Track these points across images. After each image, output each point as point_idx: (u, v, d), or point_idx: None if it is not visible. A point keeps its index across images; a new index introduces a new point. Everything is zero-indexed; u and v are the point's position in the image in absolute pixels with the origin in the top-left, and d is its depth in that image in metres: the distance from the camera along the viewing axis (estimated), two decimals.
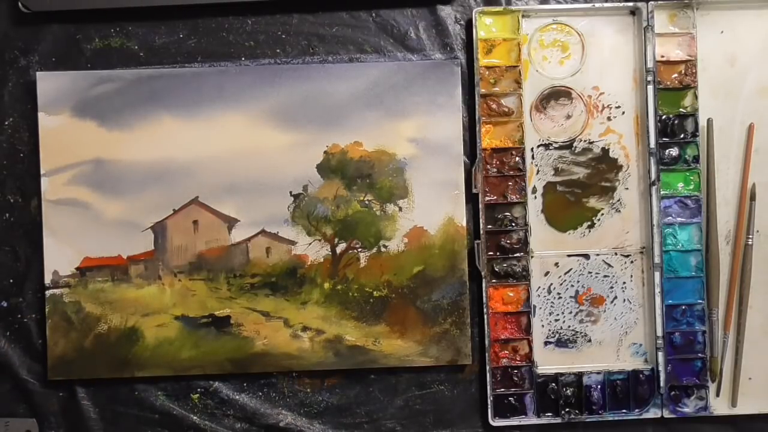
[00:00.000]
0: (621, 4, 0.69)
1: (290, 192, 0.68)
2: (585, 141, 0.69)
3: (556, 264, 0.69)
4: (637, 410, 0.68)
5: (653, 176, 0.68)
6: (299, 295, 0.68)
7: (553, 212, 0.69)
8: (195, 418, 0.69)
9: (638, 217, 0.69)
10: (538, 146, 0.69)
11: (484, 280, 0.68)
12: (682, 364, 0.68)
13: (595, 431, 0.69)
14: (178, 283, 0.68)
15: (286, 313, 0.68)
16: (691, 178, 0.68)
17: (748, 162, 0.69)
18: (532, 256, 0.69)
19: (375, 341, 0.68)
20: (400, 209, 0.68)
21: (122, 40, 0.69)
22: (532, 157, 0.69)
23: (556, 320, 0.69)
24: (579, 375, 0.68)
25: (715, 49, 0.69)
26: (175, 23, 0.69)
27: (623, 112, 0.69)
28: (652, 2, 0.68)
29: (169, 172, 0.68)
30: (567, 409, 0.68)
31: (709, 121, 0.68)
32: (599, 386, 0.68)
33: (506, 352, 0.68)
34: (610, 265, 0.69)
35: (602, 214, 0.69)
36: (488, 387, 0.68)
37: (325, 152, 0.68)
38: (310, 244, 0.68)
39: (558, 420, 0.68)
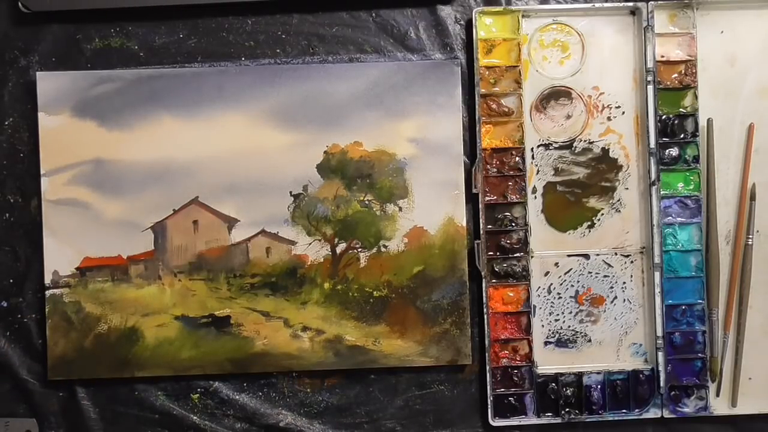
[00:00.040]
0: (621, 4, 0.69)
1: (290, 192, 0.68)
2: (585, 141, 0.69)
3: (556, 264, 0.69)
4: (637, 410, 0.68)
5: (653, 176, 0.68)
6: (299, 295, 0.68)
7: (553, 212, 0.69)
8: (195, 418, 0.69)
9: (638, 217, 0.69)
10: (538, 146, 0.69)
11: (484, 280, 0.68)
12: (682, 364, 0.68)
13: (595, 431, 0.69)
14: (178, 283, 0.68)
15: (286, 313, 0.68)
16: (691, 178, 0.68)
17: (748, 162, 0.69)
18: (532, 256, 0.69)
19: (375, 341, 0.68)
20: (400, 209, 0.68)
21: (122, 40, 0.69)
22: (532, 157, 0.69)
23: (556, 320, 0.69)
24: (579, 375, 0.68)
25: (715, 49, 0.69)
26: (175, 23, 0.69)
27: (623, 112, 0.69)
28: (652, 2, 0.68)
29: (169, 172, 0.68)
30: (567, 409, 0.68)
31: (709, 121, 0.68)
32: (599, 386, 0.68)
33: (506, 352, 0.68)
34: (610, 265, 0.69)
35: (602, 214, 0.69)
36: (488, 387, 0.68)
37: (325, 152, 0.68)
38: (310, 244, 0.68)
39: (558, 420, 0.68)
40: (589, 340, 0.69)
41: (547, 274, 0.69)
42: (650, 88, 0.68)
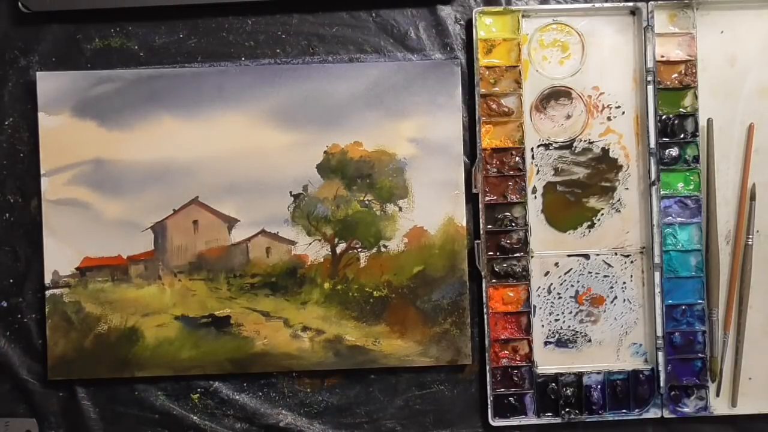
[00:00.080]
0: (621, 4, 0.69)
1: (290, 192, 0.68)
2: (585, 141, 0.69)
3: (556, 264, 0.69)
4: (637, 410, 0.68)
5: (653, 176, 0.68)
6: (299, 295, 0.68)
7: (553, 212, 0.69)
8: (195, 418, 0.69)
9: (638, 217, 0.69)
10: (538, 146, 0.69)
11: (484, 280, 0.68)
12: (682, 364, 0.68)
13: (595, 431, 0.69)
14: (178, 283, 0.68)
15: (286, 313, 0.68)
16: (691, 178, 0.68)
17: (748, 162, 0.69)
18: (532, 256, 0.69)
19: (375, 341, 0.68)
20: (400, 209, 0.68)
21: (122, 40, 0.69)
22: (532, 157, 0.69)
23: (556, 320, 0.69)
24: (579, 375, 0.68)
25: (715, 49, 0.69)
26: (175, 23, 0.69)
27: (623, 112, 0.69)
28: (652, 2, 0.68)
29: (169, 172, 0.68)
30: (567, 409, 0.68)
31: (709, 121, 0.68)
32: (599, 386, 0.68)
33: (506, 352, 0.68)
34: (610, 265, 0.69)
35: (602, 214, 0.69)
36: (488, 387, 0.68)
37: (325, 152, 0.68)
38: (310, 244, 0.68)
39: (558, 420, 0.68)
40: (589, 340, 0.69)
41: (547, 274, 0.69)
42: (650, 88, 0.68)
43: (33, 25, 0.69)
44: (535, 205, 0.69)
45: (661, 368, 0.68)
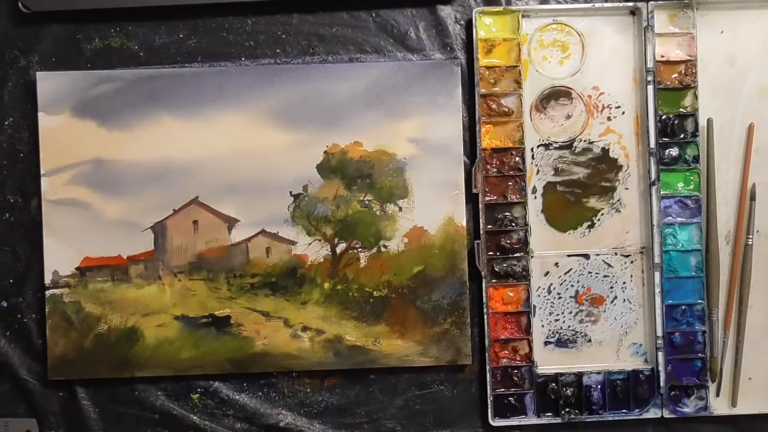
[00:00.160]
0: (621, 4, 0.69)
1: (290, 192, 0.68)
2: (585, 141, 0.69)
3: (556, 264, 0.69)
4: (637, 410, 0.68)
5: (653, 176, 0.68)
6: (299, 295, 0.68)
7: (553, 212, 0.69)
8: (195, 418, 0.69)
9: (638, 217, 0.69)
10: (538, 146, 0.69)
11: (484, 280, 0.68)
12: (682, 364, 0.68)
13: (595, 431, 0.69)
14: (178, 283, 0.68)
15: (286, 313, 0.68)
16: (691, 178, 0.68)
17: (748, 162, 0.69)
18: (532, 256, 0.69)
19: (375, 341, 0.68)
20: (400, 209, 0.68)
21: (122, 40, 0.69)
22: (532, 157, 0.69)
23: (556, 320, 0.69)
24: (579, 375, 0.68)
25: (715, 49, 0.69)
26: (175, 23, 0.69)
27: (623, 112, 0.69)
28: (652, 2, 0.68)
29: (169, 172, 0.68)
30: (567, 409, 0.68)
31: (709, 121, 0.68)
32: (599, 386, 0.68)
33: (506, 352, 0.68)
34: (610, 265, 0.69)
35: (602, 214, 0.69)
36: (488, 387, 0.68)
37: (325, 152, 0.68)
38: (310, 244, 0.68)
39: (558, 420, 0.68)
40: (589, 340, 0.69)
41: (547, 274, 0.69)
42: (650, 88, 0.68)
43: (33, 25, 0.69)
44: (535, 205, 0.69)
45: (661, 368, 0.68)
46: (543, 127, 0.69)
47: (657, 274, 0.68)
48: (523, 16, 0.69)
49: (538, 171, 0.69)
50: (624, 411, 0.68)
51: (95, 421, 0.69)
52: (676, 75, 0.68)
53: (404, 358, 0.68)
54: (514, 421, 0.68)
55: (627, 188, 0.69)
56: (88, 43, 0.69)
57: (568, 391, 0.68)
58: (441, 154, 0.68)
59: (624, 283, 0.69)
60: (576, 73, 0.69)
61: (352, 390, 0.70)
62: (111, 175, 0.68)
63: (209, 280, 0.68)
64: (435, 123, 0.68)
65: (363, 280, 0.68)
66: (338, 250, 0.69)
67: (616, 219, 0.69)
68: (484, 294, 0.68)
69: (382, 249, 0.68)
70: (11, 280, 0.69)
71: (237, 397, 0.69)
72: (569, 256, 0.69)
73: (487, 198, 0.68)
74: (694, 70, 0.68)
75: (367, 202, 0.69)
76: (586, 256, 0.69)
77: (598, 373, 0.68)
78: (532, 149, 0.69)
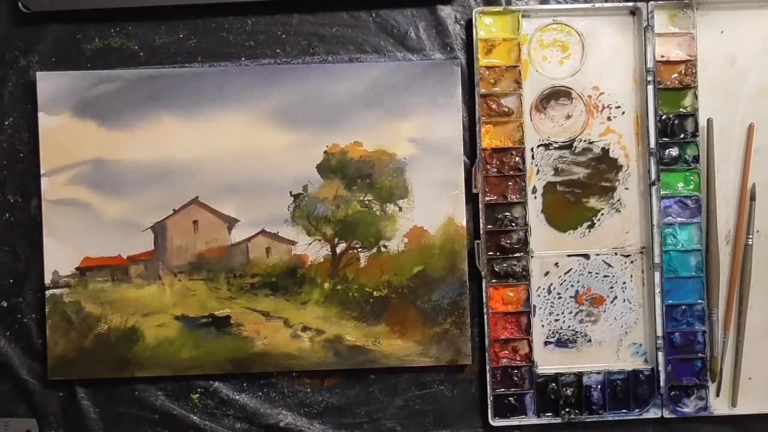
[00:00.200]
0: (621, 4, 0.69)
1: (290, 192, 0.68)
2: (585, 141, 0.69)
3: (556, 264, 0.69)
4: (637, 410, 0.68)
5: (653, 176, 0.68)
6: (299, 295, 0.68)
7: (553, 212, 0.69)
8: (195, 418, 0.69)
9: (638, 217, 0.69)
10: (538, 146, 0.69)
11: (484, 280, 0.68)
12: (682, 364, 0.68)
13: (595, 431, 0.69)
14: (178, 283, 0.68)
15: (286, 313, 0.68)
16: (691, 178, 0.68)
17: (748, 162, 0.69)
18: (532, 256, 0.69)
19: (375, 341, 0.68)
20: (400, 209, 0.68)
21: (122, 40, 0.69)
22: (532, 157, 0.69)
23: (556, 320, 0.69)
24: (579, 375, 0.68)
25: (715, 49, 0.69)
26: (175, 23, 0.69)
27: (623, 112, 0.69)
28: (652, 2, 0.68)
29: (169, 172, 0.68)
30: (567, 409, 0.68)
31: (709, 121, 0.68)
32: (599, 386, 0.68)
33: (506, 352, 0.68)
34: (610, 265, 0.69)
35: (602, 214, 0.69)
36: (488, 387, 0.68)
37: (325, 152, 0.68)
38: (310, 244, 0.68)
39: (558, 420, 0.68)
40: (589, 340, 0.69)
41: (547, 274, 0.69)
42: (650, 88, 0.68)
43: (33, 25, 0.69)
44: (535, 205, 0.69)
45: (661, 368, 0.68)
46: (543, 127, 0.69)
47: (657, 274, 0.68)
48: (523, 16, 0.69)
49: (538, 171, 0.69)
50: (624, 411, 0.68)
51: (95, 421, 0.69)
52: (676, 75, 0.68)
53: (404, 358, 0.68)
54: (514, 421, 0.68)
55: (627, 188, 0.69)
56: (88, 43, 0.69)
57: (568, 391, 0.68)
58: (441, 154, 0.68)
59: (624, 283, 0.69)
60: (576, 73, 0.69)
61: (352, 390, 0.70)
62: (111, 175, 0.68)
63: (209, 280, 0.68)
64: (435, 123, 0.68)
65: (363, 280, 0.68)
66: (338, 250, 0.69)
67: (616, 219, 0.69)
68: (484, 294, 0.68)
69: (382, 249, 0.68)
70: (11, 280, 0.69)
71: (237, 397, 0.69)
72: (569, 256, 0.69)
73: (487, 198, 0.68)
74: (694, 70, 0.68)
75: (367, 202, 0.69)
76: (586, 256, 0.69)
77: (598, 373, 0.68)
78: (532, 149, 0.69)
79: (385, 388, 0.70)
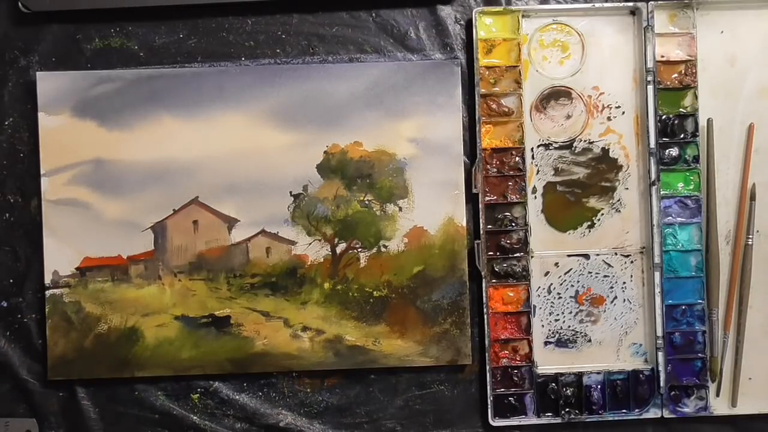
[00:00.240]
0: (621, 4, 0.69)
1: (290, 192, 0.68)
2: (585, 141, 0.69)
3: (556, 264, 0.69)
4: (637, 410, 0.68)
5: (653, 176, 0.68)
6: (299, 295, 0.68)
7: (553, 212, 0.69)
8: (195, 418, 0.69)
9: (638, 217, 0.69)
10: (538, 146, 0.69)
11: (484, 280, 0.68)
12: (682, 364, 0.68)
13: (595, 431, 0.69)
14: (178, 283, 0.68)
15: (286, 313, 0.68)
16: (691, 178, 0.68)
17: (748, 162, 0.69)
18: (532, 256, 0.69)
19: (375, 341, 0.68)
20: (400, 209, 0.68)
21: (122, 40, 0.69)
22: (532, 157, 0.69)
23: (556, 320, 0.69)
24: (579, 375, 0.68)
25: (715, 49, 0.69)
26: (175, 23, 0.69)
27: (623, 112, 0.69)
28: (652, 2, 0.68)
29: (169, 172, 0.68)
30: (567, 409, 0.68)
31: (709, 121, 0.68)
32: (599, 386, 0.68)
33: (506, 352, 0.68)
34: (610, 265, 0.69)
35: (602, 214, 0.69)
36: (488, 387, 0.68)
37: (325, 152, 0.68)
38: (310, 244, 0.68)
39: (558, 420, 0.68)
40: (589, 340, 0.69)
41: (547, 274, 0.69)
42: (650, 88, 0.68)
43: (33, 25, 0.69)
44: (535, 205, 0.69)
45: (661, 368, 0.68)
46: (543, 127, 0.69)
47: (657, 274, 0.68)
48: (523, 16, 0.69)
49: (538, 171, 0.69)
50: (624, 411, 0.68)
51: (95, 421, 0.69)
52: (676, 75, 0.68)
53: (404, 358, 0.68)
54: (514, 421, 0.68)
55: (627, 188, 0.69)
56: (88, 43, 0.69)
57: (568, 391, 0.68)
58: (441, 154, 0.68)
59: (624, 283, 0.69)
60: (576, 73, 0.69)
61: (352, 390, 0.70)
62: (111, 175, 0.68)
63: (209, 280, 0.68)
64: (435, 123, 0.68)
65: (363, 280, 0.68)
66: (338, 250, 0.69)
67: (616, 219, 0.69)
68: (484, 294, 0.68)
69: (382, 249, 0.68)
70: (11, 280, 0.69)
71: (237, 397, 0.69)
72: (569, 256, 0.69)
73: (487, 198, 0.68)
74: (694, 70, 0.68)
75: (367, 202, 0.69)
76: (586, 256, 0.69)
77: (598, 373, 0.68)
78: (532, 149, 0.69)
79: (385, 388, 0.70)
